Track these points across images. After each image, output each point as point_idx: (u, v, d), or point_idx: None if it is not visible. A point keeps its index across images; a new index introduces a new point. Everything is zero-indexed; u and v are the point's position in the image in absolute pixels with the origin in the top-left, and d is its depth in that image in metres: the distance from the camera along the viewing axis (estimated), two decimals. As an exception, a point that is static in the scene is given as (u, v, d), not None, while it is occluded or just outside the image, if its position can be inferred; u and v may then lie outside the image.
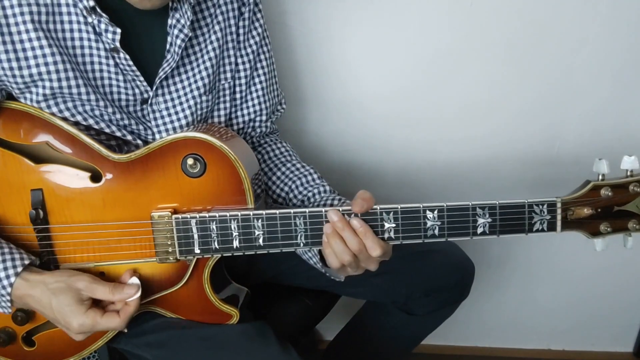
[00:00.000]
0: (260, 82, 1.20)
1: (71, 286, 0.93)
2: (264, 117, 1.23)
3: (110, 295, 0.95)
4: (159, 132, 1.08)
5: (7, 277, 0.92)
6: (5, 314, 0.97)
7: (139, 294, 0.96)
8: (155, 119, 1.07)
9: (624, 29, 1.44)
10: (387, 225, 0.95)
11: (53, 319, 0.95)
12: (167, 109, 1.07)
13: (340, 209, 0.95)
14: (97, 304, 0.96)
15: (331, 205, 1.08)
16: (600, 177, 0.95)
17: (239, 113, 1.20)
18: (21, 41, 0.92)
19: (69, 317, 0.92)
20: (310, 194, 1.13)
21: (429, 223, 0.95)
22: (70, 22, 0.96)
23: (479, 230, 0.95)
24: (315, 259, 1.07)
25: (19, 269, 0.93)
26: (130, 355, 1.12)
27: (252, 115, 1.21)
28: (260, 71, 1.20)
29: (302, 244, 0.97)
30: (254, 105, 1.20)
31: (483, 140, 1.59)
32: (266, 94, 1.21)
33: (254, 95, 1.20)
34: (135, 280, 0.98)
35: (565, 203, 0.95)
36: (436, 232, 0.95)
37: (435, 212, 0.94)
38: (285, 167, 1.20)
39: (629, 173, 0.95)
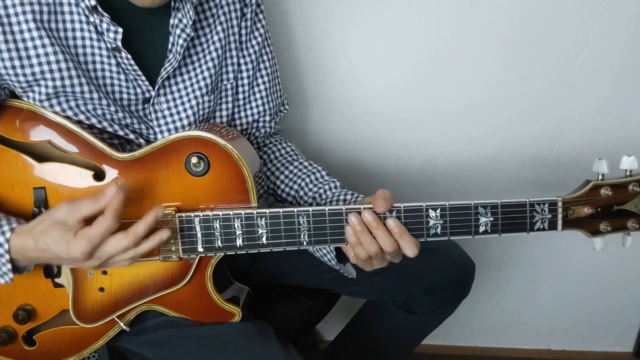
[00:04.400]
0: (264, 83, 1.20)
1: (54, 219, 0.89)
2: (267, 118, 1.23)
3: (95, 204, 0.88)
4: (161, 131, 1.08)
5: (3, 232, 0.90)
6: (6, 283, 0.93)
7: (119, 189, 0.88)
8: (157, 118, 1.07)
9: (624, 29, 1.44)
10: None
11: (59, 259, 0.91)
12: (169, 108, 1.07)
13: (363, 207, 0.95)
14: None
15: (344, 200, 1.09)
16: (600, 177, 0.96)
17: (242, 114, 1.21)
18: (23, 40, 0.92)
19: (67, 248, 0.87)
20: (321, 191, 1.13)
21: (432, 222, 0.95)
22: (72, 21, 0.96)
23: (481, 229, 0.96)
24: (330, 255, 1.07)
25: (14, 225, 0.91)
26: (131, 354, 1.12)
27: (256, 116, 1.21)
28: (264, 72, 1.20)
29: (305, 243, 0.97)
30: (257, 106, 1.21)
31: (483, 140, 1.59)
32: (269, 95, 1.22)
33: (257, 96, 1.20)
34: (113, 184, 0.90)
35: (566, 202, 0.96)
36: (438, 230, 0.96)
37: (438, 210, 0.95)
38: (292, 165, 1.20)
39: (628, 173, 0.96)
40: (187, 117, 1.09)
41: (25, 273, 0.97)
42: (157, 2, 0.94)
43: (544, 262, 1.77)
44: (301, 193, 1.16)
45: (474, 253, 1.33)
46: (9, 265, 0.92)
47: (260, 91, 1.20)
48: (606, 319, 1.84)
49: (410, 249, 0.94)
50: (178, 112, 1.08)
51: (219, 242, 0.98)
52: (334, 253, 1.06)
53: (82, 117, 0.98)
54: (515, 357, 1.91)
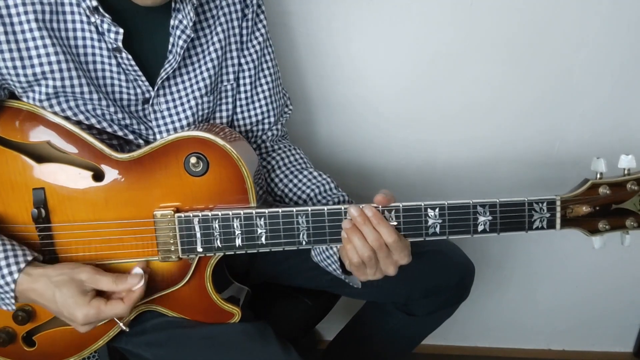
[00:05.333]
0: (267, 83, 1.20)
1: (74, 278, 0.93)
2: (272, 119, 1.23)
3: (113, 286, 0.95)
4: (160, 132, 1.08)
5: (10, 273, 0.92)
6: (9, 310, 0.97)
7: (142, 282, 0.96)
8: (156, 119, 1.07)
9: (624, 29, 1.44)
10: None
11: (57, 312, 0.95)
12: (168, 109, 1.07)
13: (360, 206, 0.95)
14: (101, 295, 0.96)
15: None
16: (598, 176, 0.96)
17: (245, 114, 1.21)
18: (25, 40, 0.92)
19: (73, 308, 0.92)
20: (330, 204, 1.13)
21: (430, 221, 0.95)
22: (74, 21, 0.96)
23: (480, 228, 0.96)
24: (335, 265, 1.07)
25: (22, 265, 0.93)
26: (131, 355, 1.12)
27: (260, 117, 1.21)
28: (266, 72, 1.20)
29: (304, 242, 0.97)
30: (261, 107, 1.21)
31: (483, 140, 1.59)
32: (273, 95, 1.22)
33: (261, 96, 1.20)
34: (138, 270, 0.98)
35: (564, 201, 0.96)
36: (437, 230, 0.96)
37: (437, 210, 0.95)
38: (302, 174, 1.20)
39: (626, 172, 0.96)
40: (187, 117, 1.09)
41: None
42: (157, 2, 0.94)
43: (544, 262, 1.77)
44: (310, 204, 1.16)
45: (473, 253, 1.33)
46: (13, 300, 0.95)
47: (263, 91, 1.20)
48: (606, 319, 1.84)
49: (388, 235, 0.95)
50: (177, 113, 1.08)
51: (218, 242, 0.98)
52: (339, 263, 1.06)
53: (81, 117, 0.99)
54: (515, 357, 1.90)
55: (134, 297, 0.95)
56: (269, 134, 1.24)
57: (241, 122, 1.21)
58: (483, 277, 1.69)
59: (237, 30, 1.14)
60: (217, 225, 0.97)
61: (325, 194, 1.16)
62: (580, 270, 1.77)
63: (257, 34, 1.17)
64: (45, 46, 0.93)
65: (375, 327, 1.39)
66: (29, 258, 0.94)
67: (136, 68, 1.00)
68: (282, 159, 1.23)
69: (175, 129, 1.09)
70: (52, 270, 0.94)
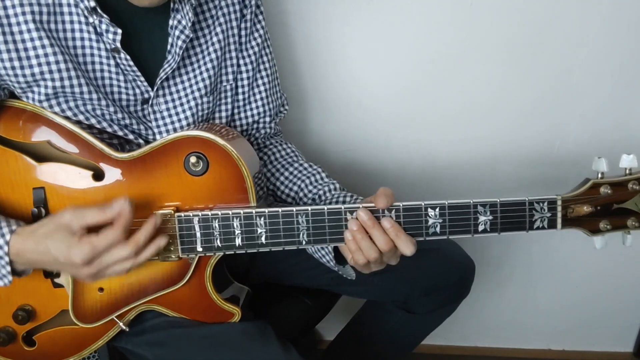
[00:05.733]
0: (264, 84, 1.20)
1: (59, 223, 0.90)
2: (267, 119, 1.23)
3: (100, 215, 0.89)
4: (160, 132, 1.08)
5: (2, 235, 0.91)
6: (5, 285, 0.94)
7: (127, 203, 0.89)
8: (156, 119, 1.07)
9: (624, 29, 1.45)
10: (389, 222, 0.96)
11: (56, 263, 0.91)
12: (167, 109, 1.07)
13: (362, 206, 0.95)
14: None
15: (343, 202, 1.09)
16: (599, 176, 0.96)
17: (242, 115, 1.21)
18: (23, 41, 0.92)
19: (67, 252, 0.88)
20: (320, 192, 1.13)
21: (431, 221, 0.95)
22: (72, 22, 0.96)
23: (480, 227, 0.95)
24: (329, 256, 1.06)
25: (14, 227, 0.91)
26: (131, 355, 1.12)
27: (256, 117, 1.22)
28: (263, 72, 1.20)
29: (304, 242, 0.97)
30: (257, 107, 1.21)
31: (483, 140, 1.59)
32: (269, 95, 1.22)
33: (257, 97, 1.20)
34: (121, 198, 0.91)
35: (565, 201, 0.95)
36: (438, 229, 0.96)
37: (437, 209, 0.95)
38: (292, 167, 1.20)
39: (627, 171, 0.96)
40: (186, 118, 1.09)
41: (24, 276, 0.97)
42: (155, 3, 0.94)
43: (544, 262, 1.77)
44: (301, 194, 1.16)
45: (473, 252, 1.33)
46: (9, 268, 0.92)
47: (260, 92, 1.20)
48: (606, 319, 1.84)
49: (407, 247, 0.94)
50: (177, 113, 1.08)
51: (218, 241, 0.98)
52: (333, 254, 1.06)
53: (81, 117, 0.99)
54: (515, 357, 1.90)
55: (123, 221, 0.88)
56: (262, 132, 1.25)
57: (237, 123, 1.21)
58: (483, 276, 1.69)
59: (235, 31, 1.14)
60: (217, 225, 0.97)
61: (317, 183, 1.16)
62: (580, 270, 1.77)
63: (256, 34, 1.17)
64: (43, 47, 0.93)
65: (375, 326, 1.39)
66: (20, 223, 0.93)
67: (135, 68, 1.00)
68: (273, 153, 1.24)
69: (175, 129, 1.09)
70: (37, 225, 0.92)
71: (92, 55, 0.98)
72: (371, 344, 1.41)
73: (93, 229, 0.89)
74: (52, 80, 0.95)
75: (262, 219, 0.96)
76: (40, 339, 1.05)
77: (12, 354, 1.05)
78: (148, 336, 1.08)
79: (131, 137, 1.04)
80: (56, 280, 1.02)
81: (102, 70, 1.00)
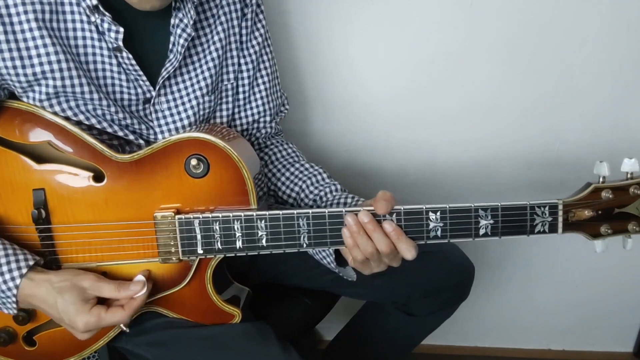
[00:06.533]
0: (264, 83, 1.20)
1: (76, 285, 0.93)
2: (268, 118, 1.23)
3: (115, 293, 0.95)
4: (162, 132, 1.08)
5: (13, 278, 0.92)
6: (10, 314, 0.97)
7: (144, 290, 0.96)
8: (157, 118, 1.07)
9: (624, 29, 1.44)
10: (389, 226, 0.95)
11: (58, 318, 0.95)
12: (169, 109, 1.07)
13: (363, 209, 0.94)
14: (102, 303, 0.96)
15: (344, 203, 1.08)
16: (601, 180, 0.95)
17: (242, 114, 1.21)
18: (25, 39, 0.92)
19: (74, 315, 0.92)
20: (322, 193, 1.13)
21: (432, 224, 0.95)
22: (74, 20, 0.96)
23: (481, 231, 0.95)
24: (329, 258, 1.06)
25: (24, 270, 0.92)
26: (131, 355, 1.12)
27: (256, 116, 1.21)
28: (264, 72, 1.20)
29: (305, 245, 0.97)
30: (257, 107, 1.21)
31: (483, 141, 1.59)
32: (270, 95, 1.22)
33: (258, 96, 1.20)
34: (140, 277, 0.98)
35: (566, 205, 0.95)
36: (439, 233, 0.95)
37: (438, 213, 0.94)
38: (294, 167, 1.20)
39: (629, 175, 0.95)
40: (188, 117, 1.09)
41: None
42: (156, 7, 0.94)
43: (544, 262, 1.77)
44: (302, 195, 1.16)
45: (473, 253, 1.33)
46: (15, 305, 0.95)
47: (260, 91, 1.20)
48: (606, 319, 1.84)
49: (408, 252, 0.94)
50: (178, 112, 1.08)
51: (219, 244, 0.98)
52: (334, 256, 1.05)
53: (81, 117, 0.98)
54: (515, 357, 1.91)
55: (135, 304, 0.95)
56: (263, 131, 1.24)
57: (237, 122, 1.21)
58: (483, 277, 1.69)
59: (236, 30, 1.13)
60: (217, 227, 0.97)
61: (318, 184, 1.16)
62: (580, 270, 1.77)
63: (257, 34, 1.17)
64: (45, 46, 0.93)
65: (375, 327, 1.39)
66: (31, 263, 0.94)
67: (137, 68, 1.00)
68: (274, 153, 1.23)
69: (176, 129, 1.09)
70: (54, 276, 0.94)
71: (93, 54, 0.98)
72: (371, 344, 1.41)
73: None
74: (53, 79, 0.94)
75: (263, 221, 0.96)
76: (40, 339, 1.04)
77: (12, 354, 1.05)
78: (148, 336, 1.08)
79: (131, 137, 1.04)
80: (56, 281, 1.02)
81: (103, 70, 0.99)
